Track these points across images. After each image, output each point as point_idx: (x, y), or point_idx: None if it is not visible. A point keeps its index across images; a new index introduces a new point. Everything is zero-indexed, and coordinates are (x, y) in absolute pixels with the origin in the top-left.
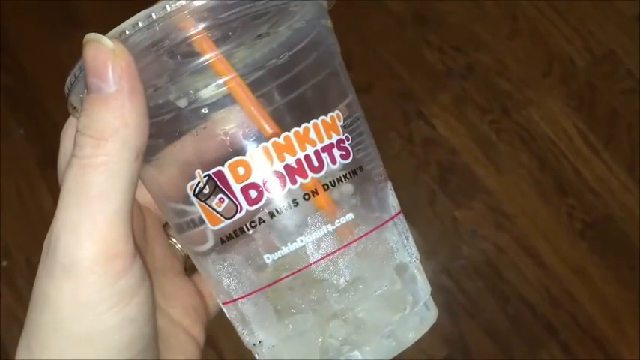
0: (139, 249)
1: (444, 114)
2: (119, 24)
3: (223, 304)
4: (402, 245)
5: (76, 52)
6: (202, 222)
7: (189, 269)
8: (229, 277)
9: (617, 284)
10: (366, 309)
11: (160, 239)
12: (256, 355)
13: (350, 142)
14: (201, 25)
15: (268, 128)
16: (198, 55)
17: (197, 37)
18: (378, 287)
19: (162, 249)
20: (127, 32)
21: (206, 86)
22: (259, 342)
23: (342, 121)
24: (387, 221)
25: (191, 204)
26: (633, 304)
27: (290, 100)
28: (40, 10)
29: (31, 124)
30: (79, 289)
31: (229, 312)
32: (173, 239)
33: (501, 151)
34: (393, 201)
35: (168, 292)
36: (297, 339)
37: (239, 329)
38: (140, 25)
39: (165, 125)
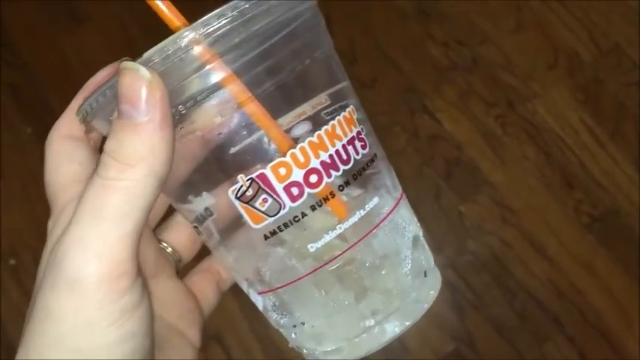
0: (140, 264)
1: (449, 108)
2: (121, 19)
3: (259, 293)
4: (412, 219)
5: (79, 49)
6: (204, 218)
7: (181, 272)
8: (272, 270)
9: (623, 278)
10: (394, 279)
11: (150, 244)
12: (293, 336)
13: (364, 132)
14: (216, 51)
15: (285, 143)
16: (215, 77)
17: (213, 63)
18: (403, 259)
19: (153, 254)
20: (155, 59)
21: (227, 105)
22: (301, 323)
23: (356, 114)
24: (400, 199)
25: (189, 202)
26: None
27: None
28: (43, 6)
29: (38, 122)
30: (82, 306)
31: (265, 301)
32: (164, 243)
33: (507, 145)
34: (397, 180)
35: (161, 297)
36: (337, 315)
37: (274, 315)
38: (169, 51)
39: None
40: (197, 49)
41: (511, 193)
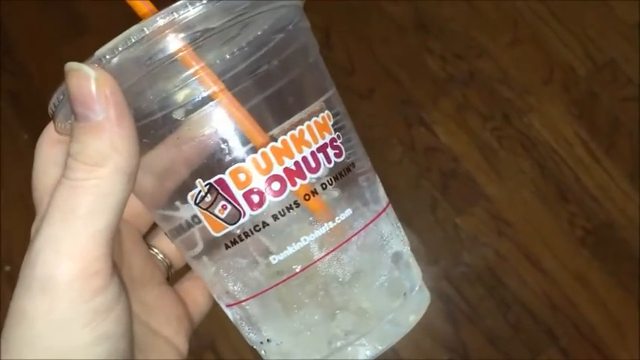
0: (116, 264)
1: (446, 121)
2: (123, 26)
3: (227, 306)
4: (395, 235)
5: (80, 57)
6: (190, 226)
7: (172, 279)
8: (235, 281)
9: (617, 291)
10: (369, 299)
11: (138, 250)
12: (262, 353)
13: (341, 140)
14: (185, 40)
15: (259, 137)
16: (183, 68)
17: (182, 52)
18: (378, 277)
19: (141, 260)
20: (107, 57)
21: (193, 98)
22: (267, 340)
23: (332, 120)
24: (380, 213)
25: (176, 209)
26: (634, 310)
27: (269, 98)
28: (43, 13)
29: (35, 128)
30: (54, 306)
31: (234, 314)
32: (154, 249)
33: (502, 157)
34: (382, 193)
35: (149, 303)
36: (305, 333)
37: (244, 329)
38: (120, 48)
39: (149, 136)
40: (171, 38)
41: (506, 205)
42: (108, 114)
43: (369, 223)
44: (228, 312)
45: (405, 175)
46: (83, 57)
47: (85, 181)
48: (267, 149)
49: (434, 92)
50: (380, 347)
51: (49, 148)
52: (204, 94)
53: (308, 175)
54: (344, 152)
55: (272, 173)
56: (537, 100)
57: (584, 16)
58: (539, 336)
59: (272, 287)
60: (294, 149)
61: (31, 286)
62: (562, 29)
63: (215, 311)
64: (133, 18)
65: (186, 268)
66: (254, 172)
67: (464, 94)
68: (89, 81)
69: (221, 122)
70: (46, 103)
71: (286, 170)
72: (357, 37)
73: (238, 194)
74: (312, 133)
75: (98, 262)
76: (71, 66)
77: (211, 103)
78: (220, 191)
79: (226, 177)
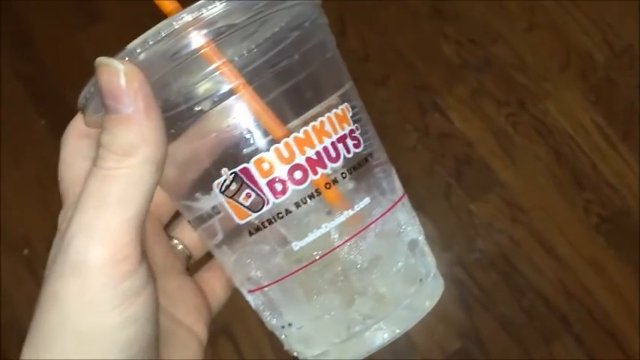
0: (145, 251)
1: (461, 107)
2: (136, 14)
3: (249, 292)
4: (411, 223)
5: (95, 43)
6: (210, 217)
7: (192, 269)
8: (258, 267)
9: (632, 278)
10: (386, 284)
11: (160, 241)
12: (283, 337)
13: (359, 131)
14: (211, 35)
15: (279, 130)
16: (207, 63)
17: (208, 47)
18: (396, 263)
19: (163, 249)
20: (138, 50)
21: (217, 92)
22: (288, 324)
23: (350, 112)
24: (397, 202)
25: (197, 200)
26: None
27: (288, 92)
28: (57, 0)
29: (52, 114)
30: (86, 288)
31: (255, 299)
32: (175, 240)
33: (518, 144)
34: (398, 183)
35: (170, 292)
36: (324, 318)
37: (265, 314)
38: (151, 42)
39: (176, 127)
40: (195, 35)
41: (521, 192)
42: (137, 106)
43: (387, 212)
44: (250, 298)
45: (419, 161)
46: (97, 44)
47: (116, 170)
48: (290, 139)
49: (449, 78)
50: (397, 331)
51: (75, 140)
52: (227, 88)
53: (329, 164)
54: (362, 143)
55: (294, 162)
56: (554, 87)
57: (602, 2)
58: (553, 322)
59: (293, 273)
60: (315, 139)
61: (63, 269)
62: (580, 14)
63: (230, 297)
64: (145, 6)
65: (205, 259)
66: (277, 162)
67: (479, 80)
68: (119, 75)
69: (244, 115)
70: (62, 89)
71: (308, 160)
72: (372, 23)
73: (262, 182)
74: (333, 125)
75: (128, 248)
76: (101, 61)
77: (233, 97)
78: (245, 180)
79: (251, 166)
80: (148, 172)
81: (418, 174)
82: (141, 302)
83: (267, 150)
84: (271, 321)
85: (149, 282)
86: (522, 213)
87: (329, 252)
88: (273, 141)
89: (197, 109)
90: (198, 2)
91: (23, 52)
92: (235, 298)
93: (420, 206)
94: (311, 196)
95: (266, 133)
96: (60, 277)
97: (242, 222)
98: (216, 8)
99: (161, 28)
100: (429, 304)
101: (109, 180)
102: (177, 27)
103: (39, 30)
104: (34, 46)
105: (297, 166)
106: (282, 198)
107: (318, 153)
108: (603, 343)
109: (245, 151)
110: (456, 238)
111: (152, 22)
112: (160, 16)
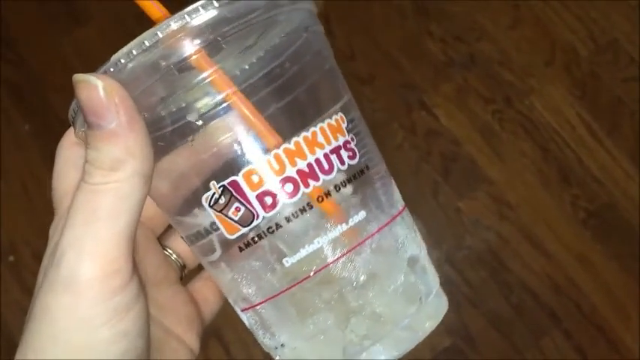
0: (136, 265)
1: (447, 104)
2: (121, 18)
3: (242, 311)
4: (411, 238)
5: (79, 47)
6: (209, 233)
7: (185, 279)
8: (249, 284)
9: (620, 273)
10: (383, 303)
11: (153, 251)
12: (277, 358)
13: (355, 142)
14: (198, 43)
15: (272, 139)
16: (196, 72)
17: (195, 55)
18: (394, 281)
19: (156, 260)
20: (123, 61)
21: (206, 101)
22: (281, 345)
23: (345, 122)
24: (395, 216)
25: (195, 216)
26: (636, 292)
27: (287, 107)
28: (42, 4)
29: (36, 118)
30: (76, 304)
31: (248, 319)
32: (168, 250)
33: (504, 140)
34: (398, 196)
35: (162, 302)
36: (319, 338)
37: (259, 334)
38: (134, 52)
39: (165, 139)
40: (186, 43)
41: (508, 188)
42: (119, 121)
43: (384, 226)
44: (244, 317)
45: (406, 160)
46: (82, 48)
47: (103, 185)
48: (280, 151)
49: (434, 76)
50: (396, 353)
51: (69, 150)
52: (218, 98)
53: (321, 176)
54: (358, 155)
55: (285, 175)
56: (539, 82)
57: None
58: (542, 318)
59: (285, 290)
60: (306, 151)
61: (55, 285)
62: (563, 10)
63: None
64: (131, 10)
65: (198, 269)
66: (267, 174)
67: (465, 78)
68: (97, 90)
69: (234, 125)
70: (46, 94)
71: (299, 172)
72: (357, 22)
73: (251, 196)
74: (325, 135)
75: (118, 262)
76: (78, 77)
77: (224, 106)
78: (234, 193)
79: (239, 179)
80: (136, 185)
81: (405, 172)
82: (132, 317)
83: (257, 162)
84: (265, 341)
85: (140, 296)
86: (510, 209)
87: (322, 268)
88: (263, 152)
89: (187, 119)
90: (185, 9)
91: (6, 55)
92: (225, 302)
93: (407, 204)
94: (303, 210)
95: (256, 145)
96: (51, 292)
97: (232, 237)
98: (203, 16)
99: (145, 37)
100: (429, 324)
101: (98, 194)
102: (162, 36)
103: (23, 33)
104: (17, 49)
105: (288, 179)
106: (273, 212)
107: (309, 165)
108: (592, 337)
109: (234, 163)
110: (445, 236)
111: (136, 25)
112: (143, 16)
